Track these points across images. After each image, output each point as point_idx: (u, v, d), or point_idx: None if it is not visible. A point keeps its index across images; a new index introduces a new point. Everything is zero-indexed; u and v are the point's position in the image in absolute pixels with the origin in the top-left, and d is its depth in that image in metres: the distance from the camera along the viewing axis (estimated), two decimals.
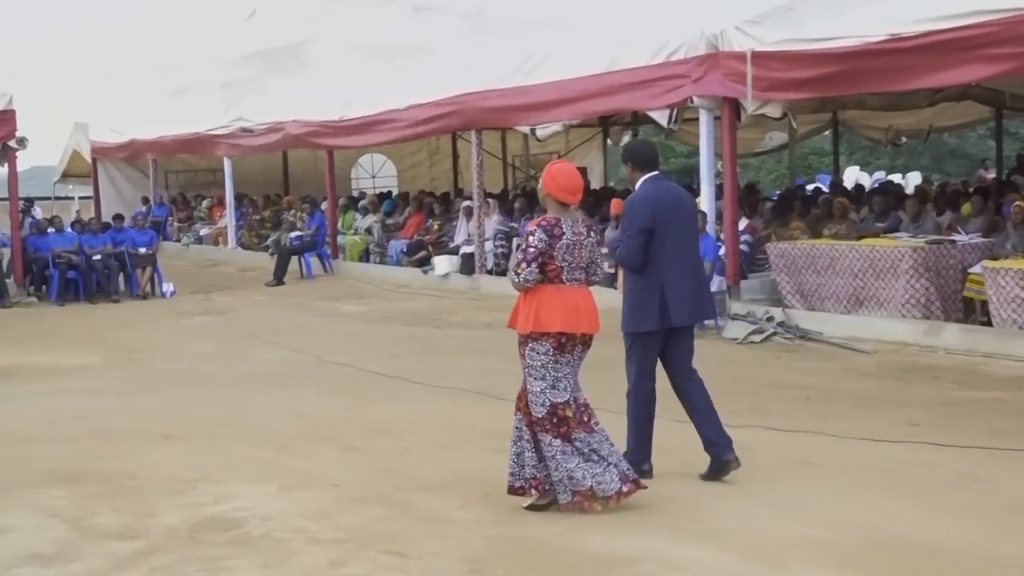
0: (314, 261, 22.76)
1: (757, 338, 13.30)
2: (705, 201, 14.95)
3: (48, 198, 38.05)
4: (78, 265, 19.98)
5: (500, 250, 19.02)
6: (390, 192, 27.91)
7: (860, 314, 13.29)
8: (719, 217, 14.91)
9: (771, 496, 6.98)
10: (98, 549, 6.24)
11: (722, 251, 14.57)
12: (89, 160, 32.40)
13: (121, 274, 20.49)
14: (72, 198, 48.37)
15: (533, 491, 6.79)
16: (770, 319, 13.67)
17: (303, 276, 22.41)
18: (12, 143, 20.34)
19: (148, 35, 32.13)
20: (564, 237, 6.70)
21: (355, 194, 28.60)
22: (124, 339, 15.13)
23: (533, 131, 17.98)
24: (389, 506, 6.90)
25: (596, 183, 26.20)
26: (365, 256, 22.96)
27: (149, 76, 30.87)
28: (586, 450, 6.71)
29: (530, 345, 6.73)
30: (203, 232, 29.26)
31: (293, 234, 23.35)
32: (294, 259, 22.54)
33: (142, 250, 20.83)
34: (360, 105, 21.72)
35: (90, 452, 8.54)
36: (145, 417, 9.88)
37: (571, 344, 6.78)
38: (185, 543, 6.30)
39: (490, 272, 19.18)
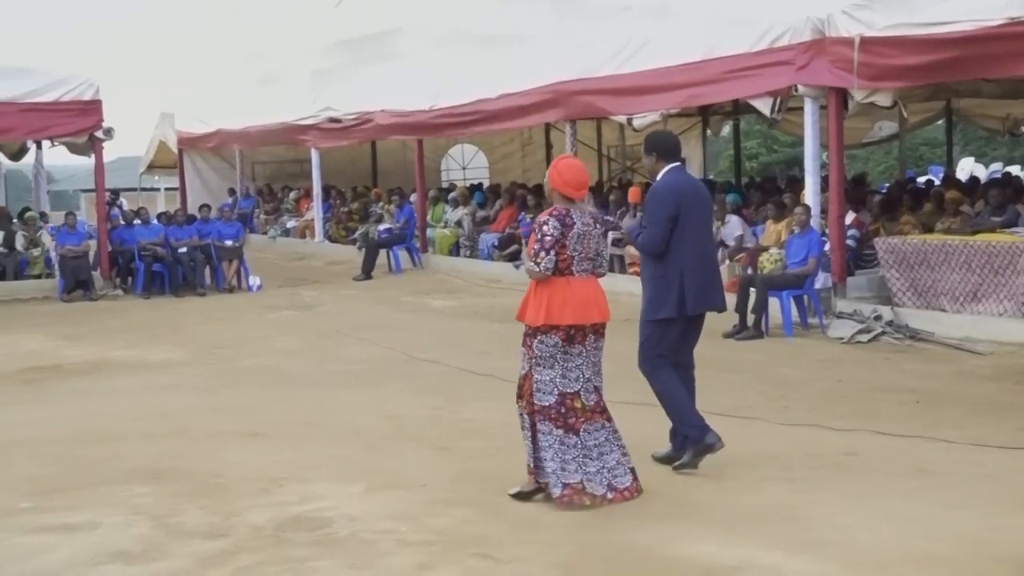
0: (403, 255, 22.89)
1: (864, 338, 13.12)
2: (810, 194, 14.78)
3: (134, 189, 38.80)
4: (164, 258, 20.30)
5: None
6: (481, 184, 27.98)
7: (975, 313, 13.04)
8: (824, 211, 14.72)
9: (880, 505, 6.86)
10: (183, 548, 6.34)
11: (827, 247, 14.39)
12: (175, 151, 32.90)
13: (207, 267, 20.77)
14: (158, 189, 49.27)
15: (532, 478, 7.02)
16: (878, 318, 13.47)
17: (391, 270, 22.56)
18: (99, 134, 20.75)
19: (236, 23, 32.51)
20: (575, 227, 6.98)
21: (445, 186, 28.72)
22: (209, 334, 15.35)
23: (630, 121, 17.88)
24: (479, 508, 6.91)
25: (694, 174, 25.91)
26: (455, 250, 23.03)
27: (236, 65, 31.26)
28: (590, 443, 6.97)
29: (538, 338, 6.97)
30: (290, 224, 29.58)
31: (381, 227, 23.52)
32: (382, 253, 22.70)
33: (228, 243, 21.09)
34: (451, 94, 21.79)
35: (175, 450, 8.68)
36: (230, 414, 10.02)
37: (580, 335, 7.02)
38: (270, 543, 6.37)
39: None
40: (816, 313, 14.00)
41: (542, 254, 6.92)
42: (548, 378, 6.95)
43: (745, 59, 15.12)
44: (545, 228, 6.94)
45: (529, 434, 7.00)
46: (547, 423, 6.93)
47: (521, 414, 7.05)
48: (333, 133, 26.11)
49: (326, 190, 28.31)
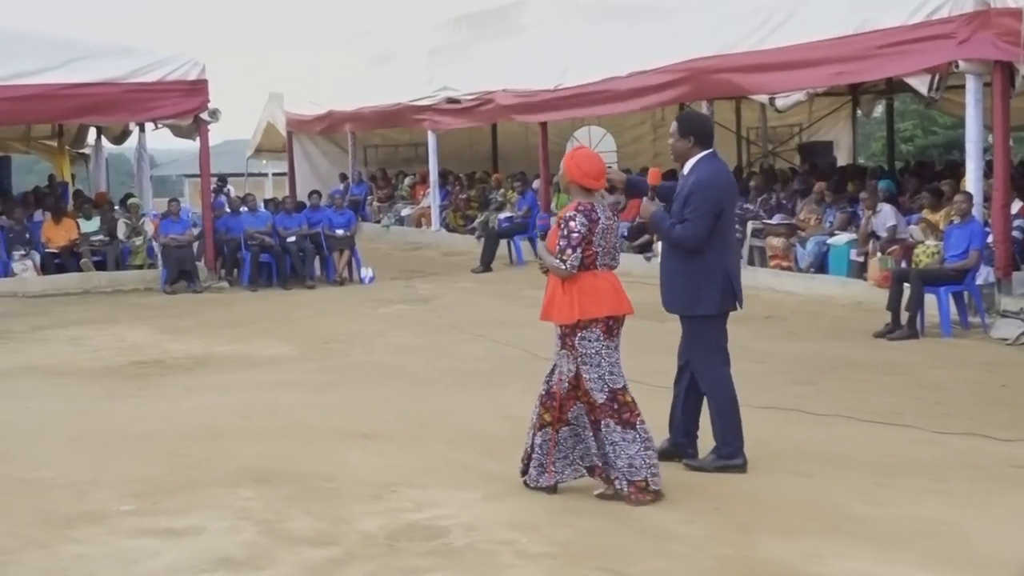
0: (525, 245, 22.93)
1: None
2: (972, 181, 14.50)
3: (240, 174, 39.41)
4: (271, 248, 20.57)
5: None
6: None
7: None
8: (987, 199, 14.43)
9: None
10: (290, 555, 6.42)
11: (990, 238, 14.10)
12: (284, 134, 33.30)
13: (317, 258, 21.01)
14: (265, 175, 50.02)
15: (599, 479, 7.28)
16: None
17: (512, 261, 22.62)
18: (204, 115, 21.08)
19: None
20: (600, 221, 7.18)
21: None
22: (319, 328, 15.54)
23: (772, 101, 17.73)
24: (606, 518, 6.90)
25: (843, 159, 25.68)
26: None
27: (349, 43, 31.56)
28: (647, 436, 7.18)
29: (580, 334, 7.16)
30: (405, 212, 29.80)
31: (502, 215, 23.60)
32: (503, 243, 22.76)
33: (339, 232, 21.32)
34: (577, 73, 21.78)
35: (284, 451, 8.80)
36: (341, 414, 10.13)
37: (617, 327, 7.27)
38: (383, 552, 6.43)
39: None
40: (977, 311, 13.73)
41: (568, 251, 7.08)
42: (597, 375, 7.18)
43: (900, 32, 14.89)
44: (572, 224, 7.10)
45: (588, 433, 7.24)
46: (608, 420, 7.16)
47: (575, 415, 7.27)
48: (451, 114, 26.26)
49: (443, 175, 28.46)
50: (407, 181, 31.34)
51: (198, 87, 20.92)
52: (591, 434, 7.24)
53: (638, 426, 7.19)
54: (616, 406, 7.17)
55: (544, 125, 23.87)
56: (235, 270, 21.12)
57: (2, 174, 29.08)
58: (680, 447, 8.04)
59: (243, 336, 15.06)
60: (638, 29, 20.65)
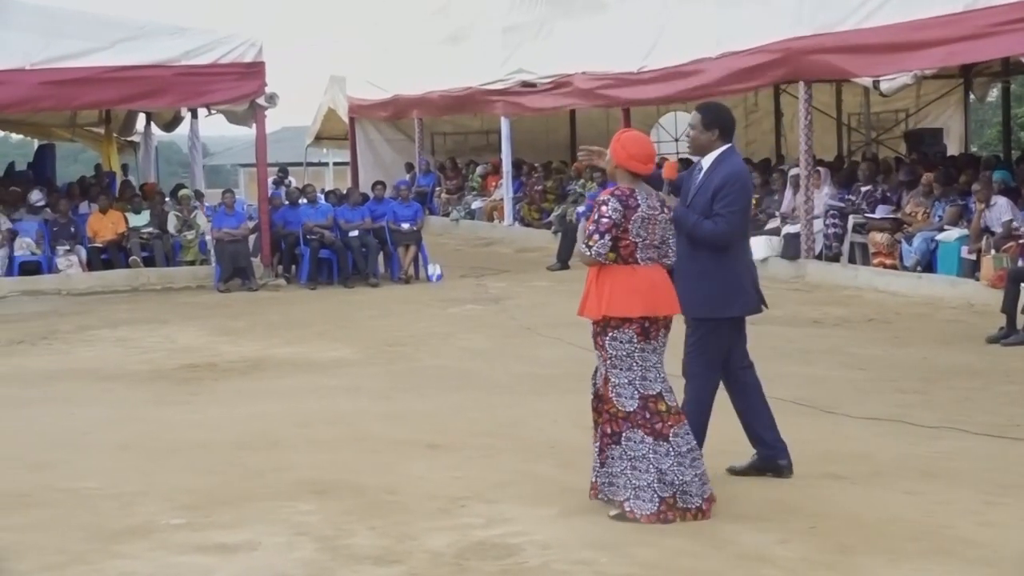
0: None
1: None
2: None
3: (299, 164, 39.69)
4: (332, 243, 20.67)
5: (832, 230, 18.71)
6: (688, 159, 27.81)
7: None
8: None
9: None
10: (351, 574, 6.45)
11: None
12: (346, 120, 33.48)
13: (380, 254, 21.10)
14: (326, 164, 50.35)
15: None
16: None
17: None
18: (261, 100, 21.23)
19: None
20: (639, 210, 7.14)
21: (656, 160, 28.59)
22: (383, 330, 15.61)
23: (876, 84, 17.60)
24: (693, 538, 6.88)
25: (954, 148, 25.42)
26: None
27: (417, 22, 31.64)
28: (683, 449, 7.11)
29: (610, 334, 7.14)
30: (475, 205, 29.88)
31: (581, 208, 23.56)
32: None
33: (405, 226, 21.40)
34: (663, 53, 21.73)
35: (345, 461, 8.85)
36: (407, 422, 10.17)
37: (655, 329, 7.21)
38: (451, 571, 6.44)
39: (819, 257, 18.90)
40: None
41: (595, 236, 7.07)
42: (626, 380, 7.15)
43: (1017, 9, 14.73)
44: (603, 209, 7.10)
45: (596, 447, 7.24)
46: (636, 431, 7.11)
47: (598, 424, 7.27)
48: (526, 99, 26.29)
49: (517, 165, 28.50)
50: (478, 171, 31.40)
51: (254, 70, 21.06)
52: (597, 446, 7.22)
53: (671, 438, 7.11)
54: (648, 415, 7.11)
55: (627, 110, 23.84)
56: (293, 267, 21.27)
57: (46, 163, 29.48)
58: (771, 455, 8.06)
59: (301, 338, 15.16)
60: (730, 6, 20.57)
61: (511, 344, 14.25)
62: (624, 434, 7.11)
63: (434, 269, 21.09)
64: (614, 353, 7.13)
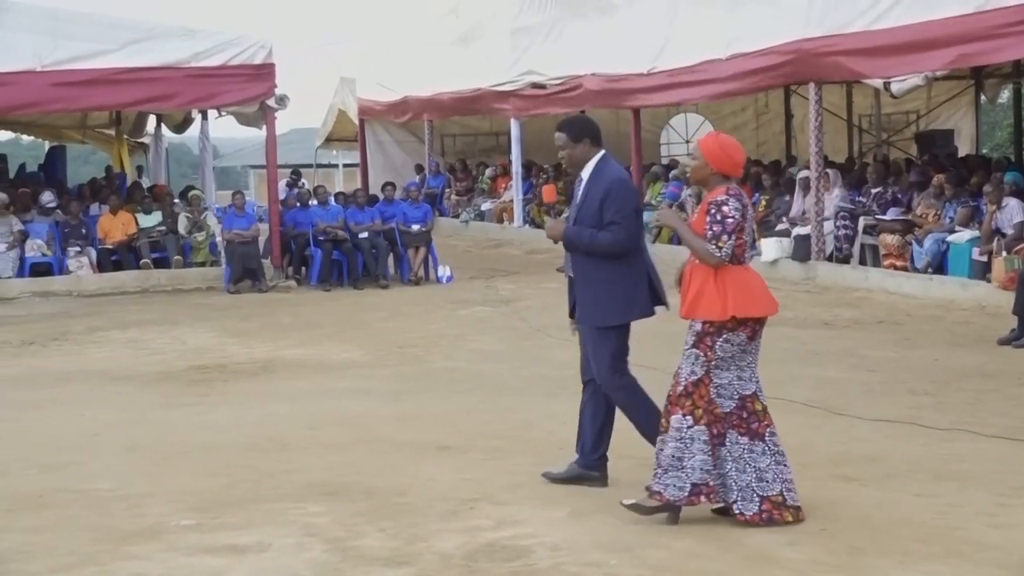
0: None
1: None
2: None
3: (309, 165, 39.73)
4: (343, 244, 20.68)
5: (843, 232, 18.69)
6: None
7: None
8: None
9: None
10: (361, 575, 6.46)
11: None
12: (356, 121, 33.52)
13: (391, 255, 21.12)
14: (336, 165, 50.35)
15: (701, 498, 7.07)
16: None
17: None
18: (271, 102, 21.29)
19: None
20: (748, 209, 7.20)
21: (665, 162, 28.64)
22: (393, 331, 15.62)
23: (887, 85, 17.59)
24: (704, 539, 6.87)
25: (965, 149, 25.39)
26: (675, 237, 22.91)
27: (427, 24, 31.66)
28: (781, 448, 7.08)
29: (724, 335, 7.05)
30: (485, 207, 29.89)
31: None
32: None
33: (415, 227, 21.42)
34: (673, 55, 21.73)
35: (355, 463, 8.85)
36: (417, 424, 10.17)
37: (761, 329, 7.20)
38: (461, 573, 6.45)
39: (830, 258, 18.87)
40: None
41: (724, 237, 7.01)
42: (726, 381, 7.10)
43: None
44: (725, 209, 7.05)
45: (705, 448, 7.04)
46: (732, 432, 7.06)
47: (678, 426, 7.09)
48: (535, 101, 26.30)
49: (527, 167, 28.51)
50: (488, 173, 31.43)
51: (264, 71, 21.12)
52: (708, 449, 7.06)
53: (767, 437, 7.10)
54: (745, 415, 7.09)
55: (637, 112, 23.83)
56: (303, 268, 21.29)
57: (57, 165, 29.51)
58: (587, 463, 8.09)
59: (311, 339, 15.17)
60: (740, 7, 20.56)
61: (521, 346, 14.25)
62: (727, 435, 7.08)
63: (444, 271, 21.11)
64: (722, 355, 7.05)
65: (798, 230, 19.53)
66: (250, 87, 21.11)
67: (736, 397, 7.09)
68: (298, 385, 12.19)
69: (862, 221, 18.59)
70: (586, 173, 7.93)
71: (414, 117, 32.59)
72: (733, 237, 7.02)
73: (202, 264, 21.41)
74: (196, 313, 17.90)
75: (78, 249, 21.09)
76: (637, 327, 7.93)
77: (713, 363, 7.04)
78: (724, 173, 7.20)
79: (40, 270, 20.92)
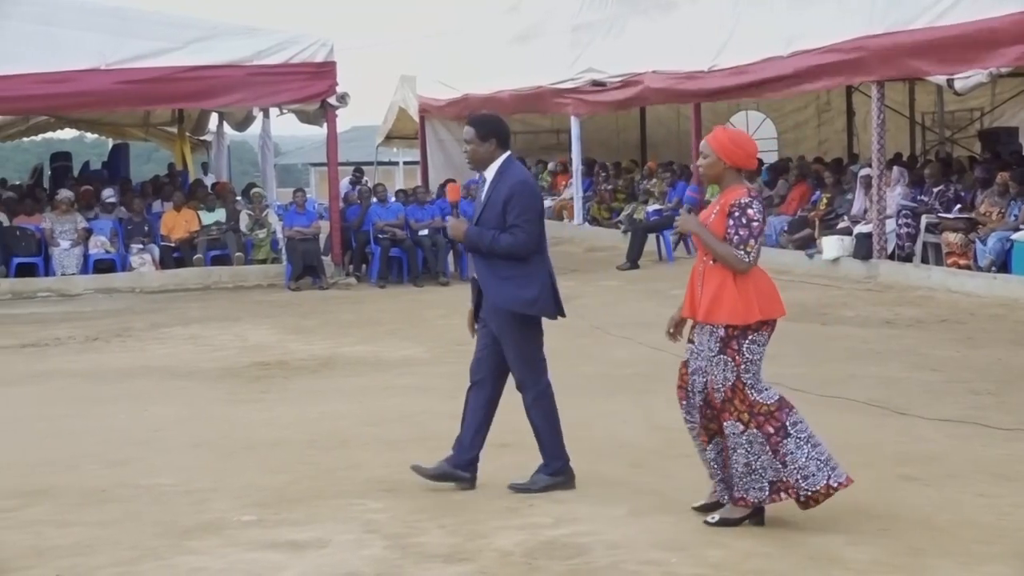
0: (675, 240, 22.85)
1: None
2: None
3: (370, 163, 39.89)
4: (403, 241, 20.75)
5: (905, 230, 18.57)
6: (761, 160, 27.70)
7: None
8: None
9: None
10: (421, 571, 6.50)
11: None
12: (416, 119, 33.59)
13: (451, 252, 21.15)
14: (396, 163, 50.50)
15: (782, 495, 7.00)
16: None
17: (662, 258, 22.57)
18: (332, 100, 21.40)
19: None
20: (765, 212, 7.16)
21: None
22: (453, 329, 15.59)
23: (950, 83, 17.43)
24: (763, 539, 6.86)
25: None
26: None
27: (487, 21, 31.69)
28: (803, 435, 7.01)
29: (750, 337, 7.01)
30: (545, 204, 29.85)
31: (651, 208, 23.54)
32: (651, 237, 22.71)
33: None
34: (733, 52, 21.64)
35: (415, 460, 8.87)
36: None
37: (774, 329, 7.16)
38: (520, 570, 6.47)
39: (892, 257, 18.76)
40: None
41: (751, 242, 6.97)
42: (751, 382, 7.05)
43: None
44: (751, 212, 7.00)
45: (764, 447, 6.97)
46: (792, 415, 7.03)
47: (731, 432, 7.02)
48: (596, 98, 26.25)
49: (587, 164, 28.48)
50: (548, 170, 31.40)
51: (325, 69, 21.24)
52: (767, 448, 6.98)
53: (790, 425, 7.05)
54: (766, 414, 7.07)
55: (698, 109, 23.75)
56: (363, 265, 21.37)
57: (120, 162, 29.79)
58: (457, 466, 8.12)
59: (371, 336, 15.23)
60: (802, 4, 20.46)
61: (581, 344, 14.24)
62: (785, 425, 6.98)
63: None
64: (750, 357, 7.00)
65: (860, 228, 19.42)
66: (311, 85, 21.24)
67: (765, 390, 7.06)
68: (358, 382, 12.25)
69: (924, 220, 18.46)
70: (490, 174, 7.95)
71: None
72: (760, 241, 7.00)
73: (263, 261, 21.55)
74: (257, 310, 18.01)
75: (141, 246, 21.29)
76: None
77: (742, 366, 6.99)
78: (738, 166, 7.15)
79: (104, 267, 21.14)
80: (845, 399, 10.59)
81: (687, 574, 6.35)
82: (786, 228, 21.25)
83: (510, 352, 8.03)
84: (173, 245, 21.45)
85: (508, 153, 8.00)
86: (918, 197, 19.22)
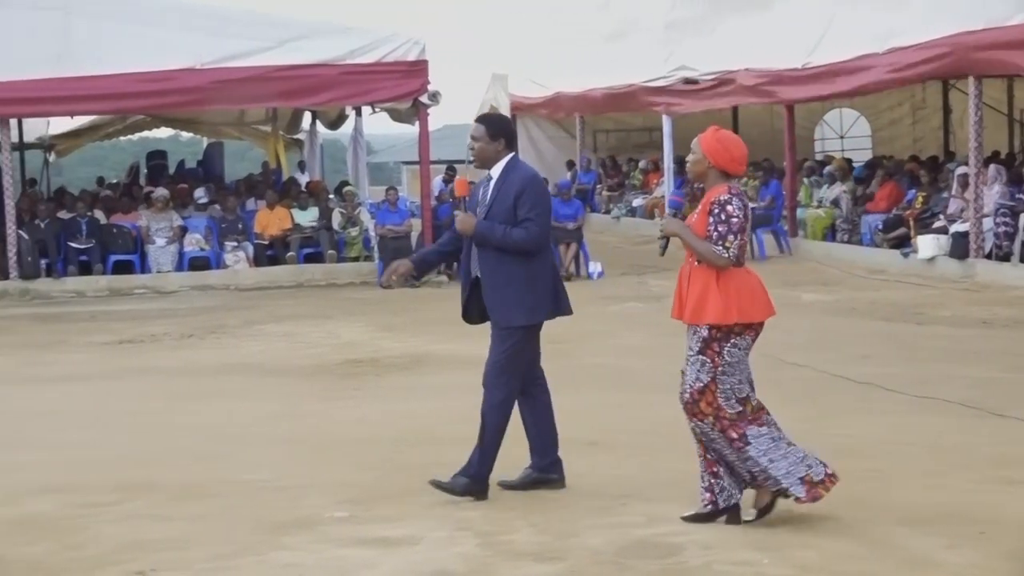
0: (767, 238, 22.75)
1: None
2: None
3: (461, 162, 39.96)
4: None
5: (1003, 229, 18.33)
6: (851, 159, 27.45)
7: None
8: None
9: None
10: (512, 570, 6.50)
11: None
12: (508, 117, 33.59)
13: None
14: None
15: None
16: None
17: (754, 256, 22.43)
18: (424, 98, 21.47)
19: None
20: (748, 209, 7.12)
21: (820, 158, 28.32)
22: (543, 327, 15.63)
23: None
24: (858, 541, 6.80)
25: None
26: (830, 234, 22.72)
27: (580, 18, 31.65)
28: (776, 435, 7.09)
29: (732, 340, 7.01)
30: (636, 203, 29.82)
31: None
32: None
33: (566, 224, 21.43)
34: (828, 49, 21.48)
35: (505, 458, 8.86)
36: (566, 419, 10.09)
37: (759, 332, 7.17)
38: (611, 569, 6.46)
39: (989, 256, 18.53)
40: None
41: (730, 238, 6.96)
42: (730, 385, 7.03)
43: None
44: (729, 208, 6.99)
45: (725, 452, 7.04)
46: (752, 427, 7.01)
47: (702, 430, 7.09)
48: (688, 96, 26.15)
49: (679, 162, 28.33)
50: (640, 168, 31.33)
51: (417, 68, 21.32)
52: (733, 450, 7.06)
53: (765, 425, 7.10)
54: (747, 414, 7.04)
55: (791, 107, 23.59)
56: (455, 263, 21.41)
57: (215, 161, 30.09)
58: (544, 468, 8.10)
59: (462, 334, 15.11)
60: (898, 1, 20.27)
61: (672, 343, 14.05)
62: (748, 433, 7.01)
63: (595, 267, 21.11)
64: (730, 359, 7.01)
65: (956, 227, 19.20)
66: (403, 84, 21.34)
67: (734, 399, 7.02)
68: (448, 379, 12.28)
69: (1022, 218, 18.22)
70: (496, 172, 7.95)
71: (566, 113, 32.61)
72: (739, 237, 6.97)
73: (355, 259, 21.70)
74: (349, 307, 18.12)
75: (235, 244, 21.50)
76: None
77: (720, 368, 6.98)
78: (723, 169, 7.11)
79: (198, 264, 21.39)
80: (940, 399, 10.47)
81: (780, 574, 6.30)
82: (881, 227, 21.06)
83: (493, 354, 8.06)
84: (267, 243, 21.64)
85: (514, 153, 8.06)
86: (1016, 195, 18.97)
